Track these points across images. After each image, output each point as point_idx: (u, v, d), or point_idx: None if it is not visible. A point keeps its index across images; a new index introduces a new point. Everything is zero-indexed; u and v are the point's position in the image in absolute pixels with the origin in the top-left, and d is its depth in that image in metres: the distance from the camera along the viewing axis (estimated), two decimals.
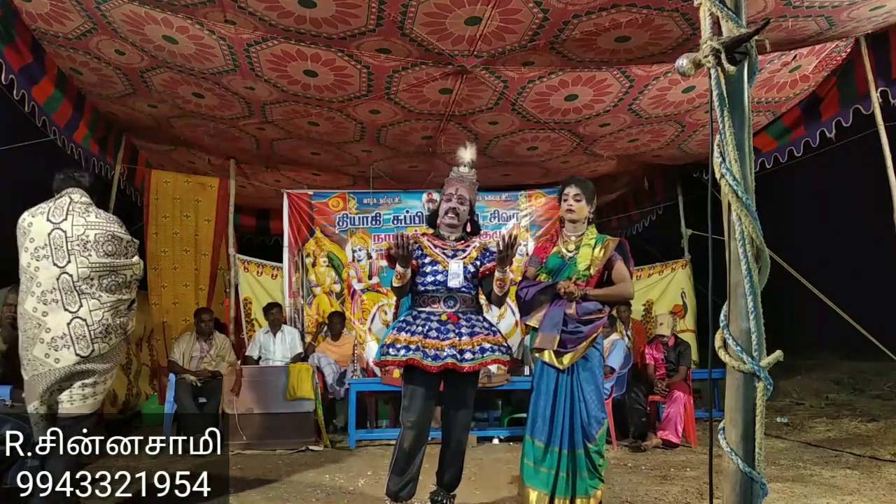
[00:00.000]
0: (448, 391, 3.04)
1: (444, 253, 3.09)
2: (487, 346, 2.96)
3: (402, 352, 2.90)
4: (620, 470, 4.44)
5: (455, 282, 3.00)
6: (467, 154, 3.23)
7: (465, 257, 3.08)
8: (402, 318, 3.07)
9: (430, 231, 3.28)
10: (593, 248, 3.09)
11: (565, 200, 3.15)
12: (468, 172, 3.22)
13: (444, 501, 3.13)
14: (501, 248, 2.86)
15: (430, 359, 2.87)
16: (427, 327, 2.95)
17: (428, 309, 3.02)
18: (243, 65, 5.03)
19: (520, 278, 3.27)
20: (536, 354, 3.07)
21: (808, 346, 10.22)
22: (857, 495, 3.52)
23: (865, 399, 7.47)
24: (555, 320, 3.00)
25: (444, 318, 2.98)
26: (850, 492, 3.59)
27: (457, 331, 2.95)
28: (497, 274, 2.96)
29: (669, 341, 5.89)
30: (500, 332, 3.13)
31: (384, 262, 3.00)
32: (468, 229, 3.25)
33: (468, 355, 2.89)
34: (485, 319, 3.12)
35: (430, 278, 3.03)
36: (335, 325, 6.58)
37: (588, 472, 2.95)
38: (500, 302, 3.07)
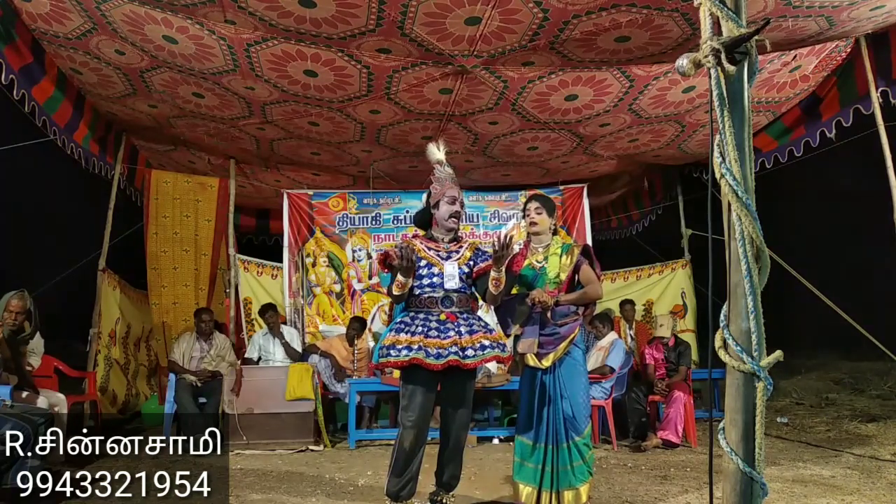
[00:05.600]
0: (447, 390, 3.07)
1: (438, 255, 3.12)
2: (486, 343, 3.01)
3: (404, 352, 2.91)
4: (620, 470, 4.44)
5: (451, 283, 3.05)
6: (440, 152, 3.30)
7: (459, 258, 3.13)
8: (398, 320, 3.08)
9: (422, 233, 3.30)
10: (560, 257, 3.30)
11: (528, 215, 3.36)
12: (450, 172, 3.27)
13: (444, 501, 3.15)
14: (497, 248, 2.89)
15: (432, 357, 2.88)
16: (427, 327, 2.97)
17: (426, 310, 3.04)
18: (243, 65, 5.03)
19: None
20: (519, 360, 3.30)
21: (808, 346, 10.21)
22: (857, 495, 3.51)
23: (865, 399, 7.47)
24: (532, 326, 3.21)
25: (442, 317, 3.01)
26: (850, 492, 3.59)
27: (457, 329, 2.98)
28: (493, 273, 2.98)
29: (669, 341, 5.88)
30: (496, 330, 3.18)
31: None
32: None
33: (469, 352, 2.93)
34: (480, 318, 3.18)
35: (426, 280, 3.06)
36: (352, 330, 6.53)
37: (574, 465, 3.10)
38: (495, 301, 3.11)
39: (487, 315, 6.26)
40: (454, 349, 2.90)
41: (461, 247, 3.19)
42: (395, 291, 3.01)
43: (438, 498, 3.15)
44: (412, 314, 3.06)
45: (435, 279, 3.05)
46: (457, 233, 3.25)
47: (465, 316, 3.06)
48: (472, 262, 3.14)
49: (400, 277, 2.97)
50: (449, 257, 3.12)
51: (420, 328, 2.97)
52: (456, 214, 3.15)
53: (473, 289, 3.19)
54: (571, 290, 3.27)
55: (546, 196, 3.57)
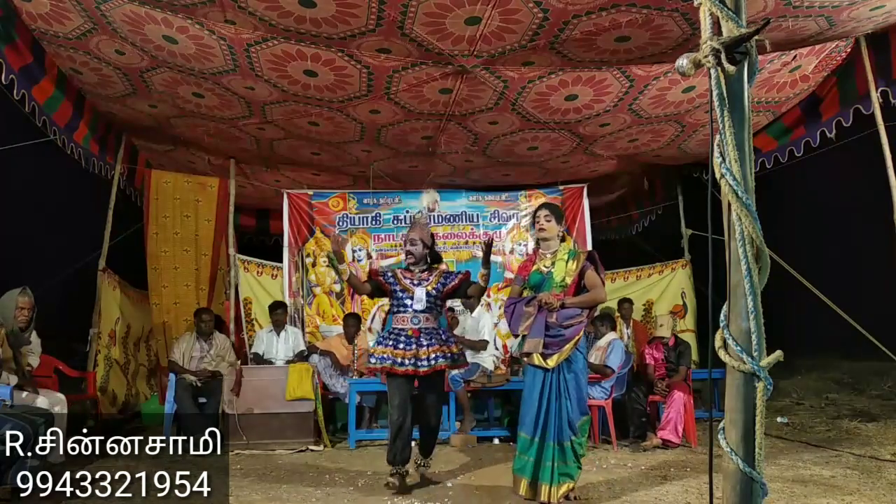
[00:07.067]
0: (419, 387, 3.97)
1: (411, 283, 3.99)
2: (440, 354, 3.85)
3: (380, 361, 3.87)
4: (620, 470, 4.44)
5: (419, 305, 3.91)
6: (423, 201, 3.97)
7: (427, 284, 3.97)
8: (381, 335, 4.08)
9: (403, 267, 4.18)
10: (566, 262, 3.59)
11: (537, 222, 3.68)
12: (419, 217, 4.06)
13: (423, 464, 4.07)
14: (484, 250, 3.94)
15: (398, 365, 3.82)
16: (398, 341, 3.89)
17: (399, 326, 3.95)
18: (243, 65, 5.03)
19: (506, 298, 3.88)
20: (525, 360, 3.55)
21: (808, 346, 10.20)
22: (857, 495, 3.51)
23: (865, 399, 7.47)
24: (538, 327, 3.49)
25: (409, 333, 3.89)
26: (850, 492, 3.59)
27: (418, 343, 3.86)
28: (482, 270, 3.97)
29: (669, 341, 5.88)
30: (453, 342, 4.00)
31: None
32: (430, 261, 4.09)
33: (423, 362, 3.81)
34: (442, 332, 3.99)
35: (399, 302, 3.97)
36: (349, 327, 6.52)
37: (571, 462, 3.40)
38: (480, 293, 4.21)
39: (487, 314, 6.31)
40: (412, 361, 3.81)
41: (432, 275, 4.02)
42: (353, 281, 4.17)
43: (420, 462, 4.07)
44: (391, 329, 3.98)
45: (407, 301, 3.94)
46: (426, 263, 4.07)
47: (427, 331, 3.90)
48: (440, 285, 3.97)
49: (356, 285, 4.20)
50: (420, 284, 3.96)
51: (392, 342, 3.89)
52: (407, 253, 4.07)
53: (442, 305, 4.07)
54: (577, 293, 3.51)
55: (555, 205, 3.85)
